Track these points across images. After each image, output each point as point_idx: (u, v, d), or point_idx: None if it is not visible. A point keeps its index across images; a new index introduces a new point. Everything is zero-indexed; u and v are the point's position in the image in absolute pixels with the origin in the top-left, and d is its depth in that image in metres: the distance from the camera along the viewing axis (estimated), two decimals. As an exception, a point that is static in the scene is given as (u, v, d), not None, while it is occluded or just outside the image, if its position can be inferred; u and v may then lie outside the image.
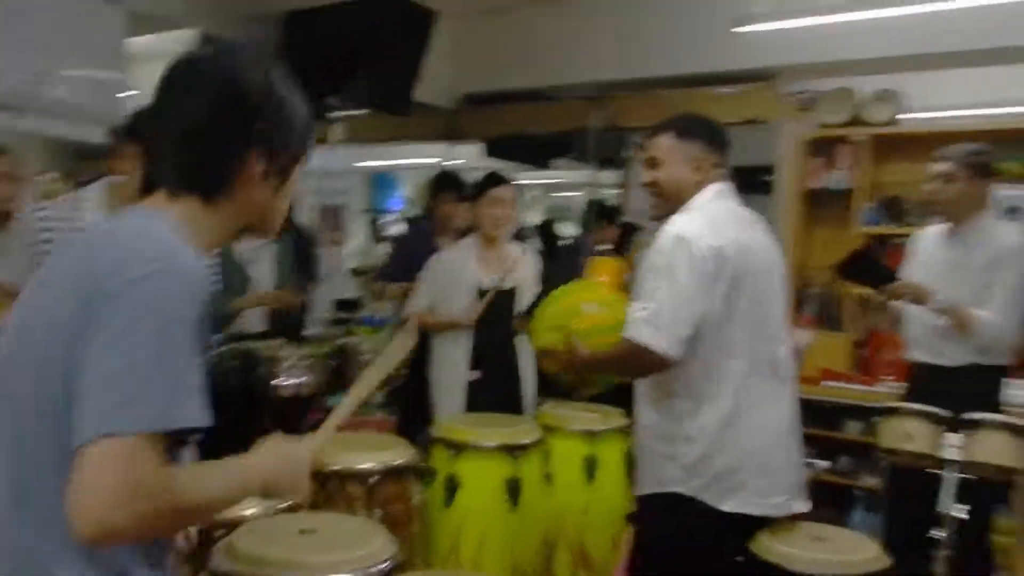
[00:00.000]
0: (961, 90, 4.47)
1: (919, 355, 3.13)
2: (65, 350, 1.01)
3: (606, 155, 5.34)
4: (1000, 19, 3.37)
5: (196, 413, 1.03)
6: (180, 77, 1.19)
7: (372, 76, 4.17)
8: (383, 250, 7.49)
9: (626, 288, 2.73)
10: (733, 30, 3.67)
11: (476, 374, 3.31)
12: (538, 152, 6.35)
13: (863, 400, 3.91)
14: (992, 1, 3.16)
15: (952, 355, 3.00)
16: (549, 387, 3.85)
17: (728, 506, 2.06)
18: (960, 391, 2.80)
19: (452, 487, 2.60)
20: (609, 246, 5.30)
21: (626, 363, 2.14)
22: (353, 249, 7.79)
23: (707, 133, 2.21)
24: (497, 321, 3.35)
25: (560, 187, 8.57)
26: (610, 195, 5.65)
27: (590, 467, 2.93)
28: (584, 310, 2.38)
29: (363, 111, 5.12)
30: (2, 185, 2.86)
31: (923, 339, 3.10)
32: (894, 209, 4.28)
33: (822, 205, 4.49)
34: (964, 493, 2.50)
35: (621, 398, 3.63)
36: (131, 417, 0.97)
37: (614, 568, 3.07)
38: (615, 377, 2.55)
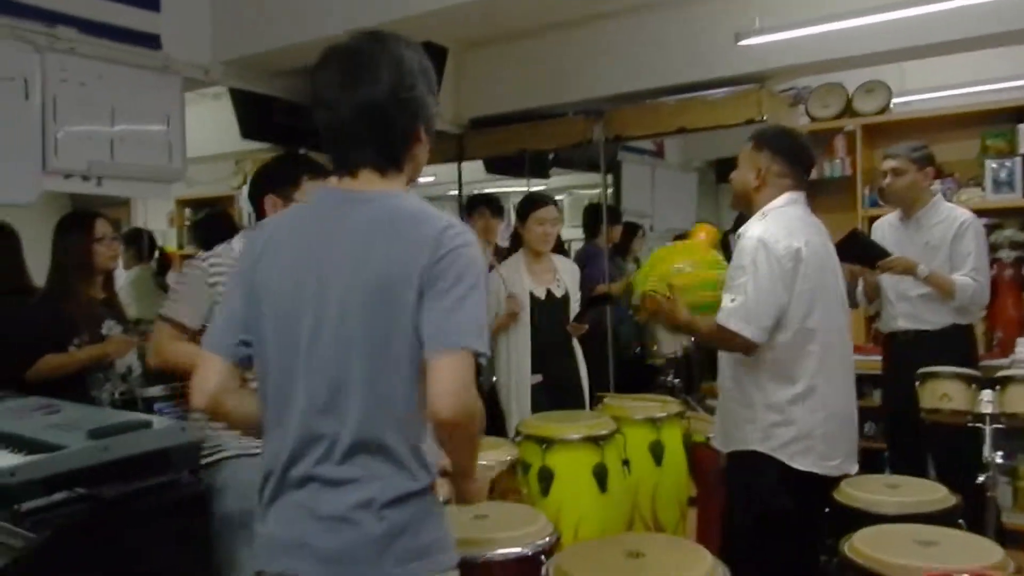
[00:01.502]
0: (943, 75, 4.84)
1: (903, 323, 3.57)
2: (408, 303, 1.35)
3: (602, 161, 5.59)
4: (971, 12, 3.72)
5: (488, 346, 1.37)
6: (356, 71, 1.43)
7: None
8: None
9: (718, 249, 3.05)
10: (738, 44, 3.96)
11: (538, 378, 3.60)
12: (533, 163, 6.64)
13: (880, 369, 4.22)
14: (960, 2, 3.51)
15: (933, 319, 3.46)
16: (599, 383, 4.16)
17: (799, 464, 2.39)
18: (942, 350, 3.24)
19: (547, 478, 2.87)
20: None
21: (718, 342, 2.46)
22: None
23: (782, 147, 2.53)
24: (552, 327, 3.64)
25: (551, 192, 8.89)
26: (601, 197, 5.92)
27: (657, 452, 3.23)
28: (682, 269, 2.70)
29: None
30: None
31: (906, 308, 3.55)
32: (889, 191, 4.63)
33: (826, 193, 4.82)
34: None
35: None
36: (468, 337, 1.32)
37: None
38: None
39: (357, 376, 1.36)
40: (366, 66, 1.42)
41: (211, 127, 4.96)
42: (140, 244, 5.47)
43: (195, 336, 2.27)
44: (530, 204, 3.69)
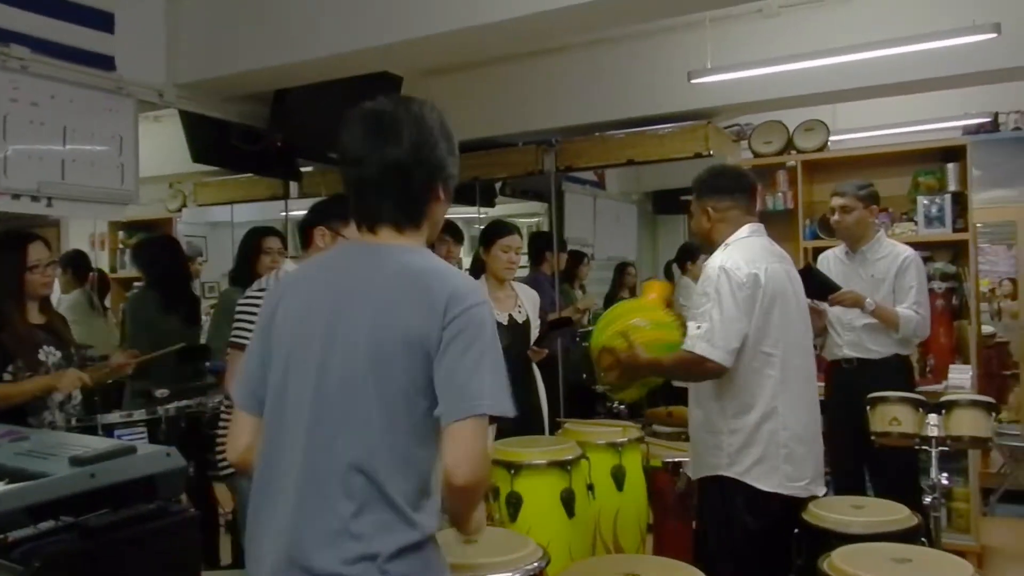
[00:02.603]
0: (872, 116, 5.09)
1: (848, 352, 3.75)
2: (422, 359, 1.34)
3: (552, 191, 5.69)
4: (902, 60, 3.94)
5: (511, 405, 1.37)
6: (380, 131, 1.47)
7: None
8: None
9: (672, 306, 3.13)
10: (691, 82, 4.11)
11: (499, 403, 3.60)
12: (481, 191, 6.70)
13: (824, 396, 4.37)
14: (896, 50, 3.76)
15: (877, 348, 3.66)
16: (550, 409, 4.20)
17: (765, 486, 2.47)
18: (884, 378, 3.43)
19: (515, 503, 2.88)
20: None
21: (687, 370, 2.54)
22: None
23: (717, 184, 2.68)
24: (513, 353, 3.65)
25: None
26: (544, 225, 5.97)
27: (619, 476, 3.27)
28: (636, 325, 2.75)
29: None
30: None
31: (851, 338, 3.73)
32: (829, 225, 4.83)
33: (769, 225, 4.90)
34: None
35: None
36: (484, 403, 1.32)
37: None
38: (650, 385, 2.96)
39: (366, 428, 1.36)
40: (391, 125, 1.46)
41: (148, 149, 4.86)
42: (79, 267, 5.29)
43: None
44: (495, 231, 3.70)
